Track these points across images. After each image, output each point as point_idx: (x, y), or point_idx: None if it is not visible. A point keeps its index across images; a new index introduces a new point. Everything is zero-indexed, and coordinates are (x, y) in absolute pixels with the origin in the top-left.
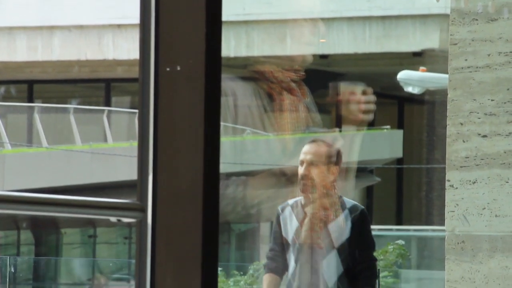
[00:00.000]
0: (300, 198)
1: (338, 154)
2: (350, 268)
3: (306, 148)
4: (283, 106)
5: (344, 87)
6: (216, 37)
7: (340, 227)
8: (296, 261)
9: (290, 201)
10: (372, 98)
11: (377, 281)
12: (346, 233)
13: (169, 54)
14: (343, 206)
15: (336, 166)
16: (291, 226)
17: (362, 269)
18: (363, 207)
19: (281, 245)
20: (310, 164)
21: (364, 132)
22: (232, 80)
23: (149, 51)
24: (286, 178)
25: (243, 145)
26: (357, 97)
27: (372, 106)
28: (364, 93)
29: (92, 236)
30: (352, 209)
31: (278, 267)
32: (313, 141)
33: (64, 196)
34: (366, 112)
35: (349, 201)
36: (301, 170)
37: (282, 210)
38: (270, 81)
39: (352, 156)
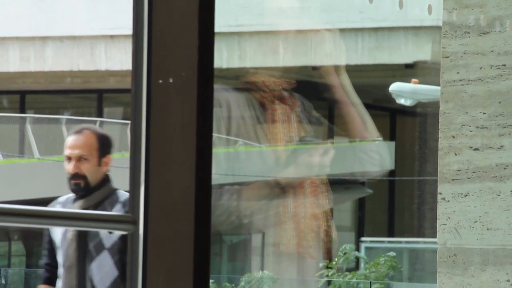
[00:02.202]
0: (72, 195)
1: (109, 141)
2: (125, 270)
3: (72, 140)
4: (275, 115)
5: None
6: (209, 49)
7: None
8: (63, 265)
9: (61, 199)
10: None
11: None
12: None
13: (162, 66)
14: (116, 200)
15: (108, 155)
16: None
17: None
18: None
19: (53, 250)
20: (79, 159)
21: (356, 144)
22: (226, 91)
23: (142, 63)
24: (280, 188)
25: (236, 156)
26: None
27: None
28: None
29: None
30: (126, 203)
31: (52, 277)
32: (79, 131)
33: (56, 209)
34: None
35: (124, 194)
36: (69, 167)
37: None
38: (262, 90)
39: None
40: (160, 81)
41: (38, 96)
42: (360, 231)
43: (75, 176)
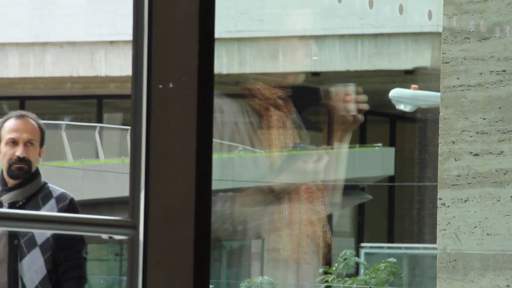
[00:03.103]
0: None
1: (45, 133)
2: (55, 268)
3: (17, 124)
4: (270, 122)
5: (338, 89)
6: (209, 54)
7: None
8: None
9: None
10: (365, 97)
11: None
12: None
13: (162, 71)
14: (49, 194)
15: (43, 147)
16: None
17: (67, 268)
18: (72, 196)
19: None
20: (27, 143)
21: (356, 150)
22: (218, 97)
23: (142, 68)
24: (274, 194)
25: (231, 162)
26: (353, 97)
27: (366, 106)
28: (357, 92)
29: None
30: (60, 198)
31: None
32: (21, 116)
33: (56, 213)
34: (361, 111)
35: (57, 189)
36: (13, 151)
37: None
38: (257, 97)
39: (339, 174)
40: (160, 86)
41: (37, 102)
42: (360, 236)
43: (22, 160)
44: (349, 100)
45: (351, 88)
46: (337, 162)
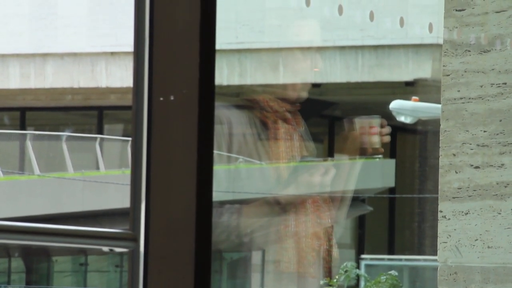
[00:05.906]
0: None
1: None
2: None
3: None
4: (277, 134)
5: (362, 121)
6: (210, 66)
7: None
8: None
9: None
10: (389, 129)
11: None
12: None
13: (163, 84)
14: None
15: None
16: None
17: None
18: None
19: None
20: None
21: (356, 161)
22: (227, 108)
23: (143, 81)
24: (280, 206)
25: (237, 174)
26: (378, 129)
27: (389, 138)
28: (382, 125)
29: (83, 264)
30: None
31: None
32: None
33: (56, 226)
34: (383, 143)
35: None
36: None
37: None
38: (265, 110)
39: (349, 185)
40: (161, 99)
41: (38, 113)
42: (360, 248)
43: None
44: (374, 133)
45: (376, 120)
46: (348, 174)
